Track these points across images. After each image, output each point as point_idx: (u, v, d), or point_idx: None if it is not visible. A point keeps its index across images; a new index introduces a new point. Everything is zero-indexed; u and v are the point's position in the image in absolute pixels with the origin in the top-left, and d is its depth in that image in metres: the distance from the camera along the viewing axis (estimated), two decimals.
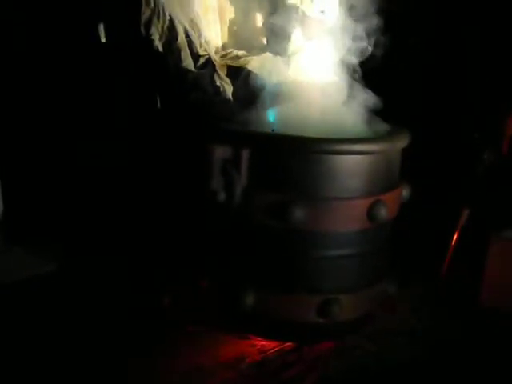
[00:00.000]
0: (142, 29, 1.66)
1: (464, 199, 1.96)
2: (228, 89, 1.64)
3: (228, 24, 1.80)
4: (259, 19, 1.83)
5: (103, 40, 2.12)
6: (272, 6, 1.82)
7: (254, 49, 1.78)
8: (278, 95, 1.62)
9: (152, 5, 1.66)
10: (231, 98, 1.64)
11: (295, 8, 1.65)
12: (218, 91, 1.63)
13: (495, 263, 1.84)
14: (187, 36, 1.67)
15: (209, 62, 1.66)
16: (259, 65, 1.67)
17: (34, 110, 2.28)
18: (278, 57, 1.68)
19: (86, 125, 2.09)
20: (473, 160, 1.96)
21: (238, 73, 1.66)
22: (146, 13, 1.67)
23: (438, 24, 2.33)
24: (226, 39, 1.79)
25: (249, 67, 1.67)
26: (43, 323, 1.62)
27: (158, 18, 1.65)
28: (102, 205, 1.98)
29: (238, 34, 1.81)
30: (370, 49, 1.61)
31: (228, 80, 1.65)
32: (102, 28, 2.13)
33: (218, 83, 1.64)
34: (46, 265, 1.92)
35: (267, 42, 1.78)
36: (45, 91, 2.25)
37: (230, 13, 1.81)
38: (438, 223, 1.98)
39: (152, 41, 1.65)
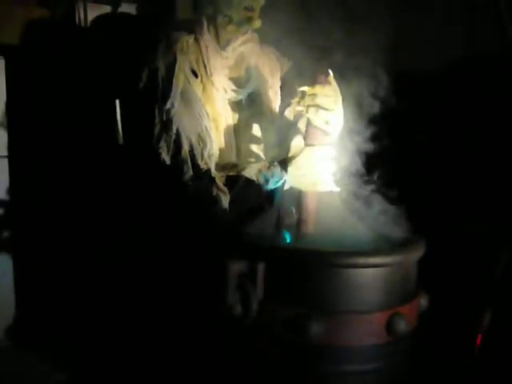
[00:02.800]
0: (154, 141, 1.71)
1: (484, 302, 1.92)
2: (225, 199, 1.63)
3: (229, 134, 1.84)
4: (259, 129, 1.88)
5: (120, 142, 2.19)
6: (273, 113, 1.90)
7: (255, 157, 1.83)
8: (281, 204, 1.64)
9: (164, 118, 1.71)
10: (227, 207, 1.63)
11: (300, 115, 1.68)
12: (215, 201, 1.63)
13: None
14: (192, 150, 1.70)
15: (207, 173, 1.68)
16: (256, 172, 1.66)
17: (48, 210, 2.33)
18: (276, 163, 1.68)
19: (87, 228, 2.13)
20: (490, 261, 1.94)
21: (235, 180, 1.66)
22: (157, 126, 1.72)
23: (443, 122, 2.39)
24: (227, 150, 1.82)
25: (246, 175, 1.66)
26: None
27: (167, 131, 1.70)
28: (113, 310, 1.96)
29: (239, 145, 1.85)
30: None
31: (225, 189, 1.64)
32: (119, 130, 2.20)
33: (214, 193, 1.63)
34: (54, 373, 1.88)
35: (267, 148, 1.84)
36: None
37: (232, 123, 1.86)
38: (459, 328, 1.93)
39: (160, 154, 1.69)
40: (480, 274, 1.98)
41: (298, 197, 1.64)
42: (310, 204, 1.64)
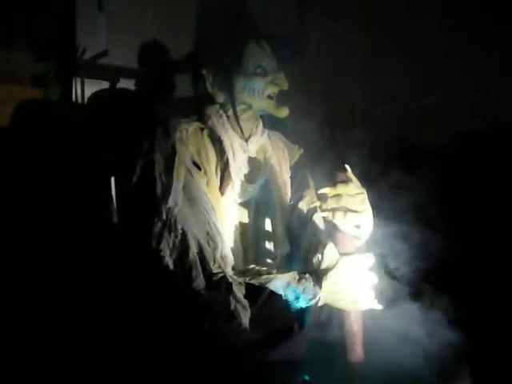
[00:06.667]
0: (153, 242, 1.46)
1: None
2: (244, 314, 1.35)
3: (246, 235, 1.62)
4: (282, 228, 1.67)
5: (115, 220, 2.01)
6: (283, 207, 1.70)
7: (274, 261, 1.61)
8: (307, 322, 1.39)
9: (164, 217, 1.47)
10: (247, 325, 1.35)
11: (328, 222, 1.48)
12: (232, 317, 1.35)
13: None
14: (201, 251, 1.45)
15: (223, 280, 1.40)
16: (284, 285, 1.40)
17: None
18: (307, 275, 1.43)
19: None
20: None
21: (258, 293, 1.39)
22: (157, 224, 1.47)
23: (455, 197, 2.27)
24: (242, 251, 1.59)
25: (272, 287, 1.39)
26: None
27: (170, 231, 1.46)
28: None
29: (257, 246, 1.63)
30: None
31: (246, 303, 1.37)
32: (114, 208, 2.03)
33: (232, 307, 1.35)
34: None
35: (294, 257, 1.62)
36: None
37: (248, 222, 1.65)
38: None
39: (162, 257, 1.43)
40: None
41: (336, 316, 1.43)
42: (356, 325, 1.41)
